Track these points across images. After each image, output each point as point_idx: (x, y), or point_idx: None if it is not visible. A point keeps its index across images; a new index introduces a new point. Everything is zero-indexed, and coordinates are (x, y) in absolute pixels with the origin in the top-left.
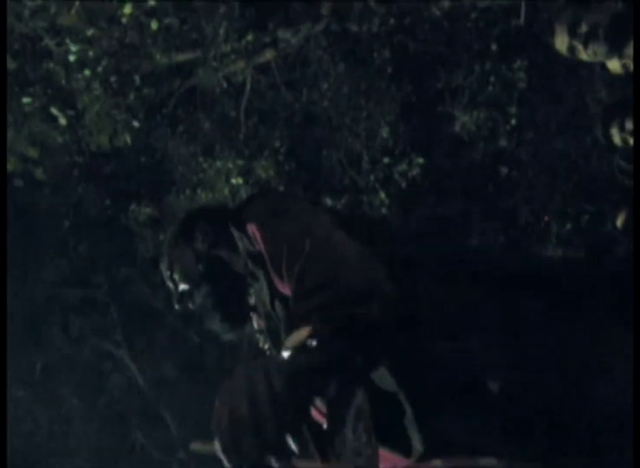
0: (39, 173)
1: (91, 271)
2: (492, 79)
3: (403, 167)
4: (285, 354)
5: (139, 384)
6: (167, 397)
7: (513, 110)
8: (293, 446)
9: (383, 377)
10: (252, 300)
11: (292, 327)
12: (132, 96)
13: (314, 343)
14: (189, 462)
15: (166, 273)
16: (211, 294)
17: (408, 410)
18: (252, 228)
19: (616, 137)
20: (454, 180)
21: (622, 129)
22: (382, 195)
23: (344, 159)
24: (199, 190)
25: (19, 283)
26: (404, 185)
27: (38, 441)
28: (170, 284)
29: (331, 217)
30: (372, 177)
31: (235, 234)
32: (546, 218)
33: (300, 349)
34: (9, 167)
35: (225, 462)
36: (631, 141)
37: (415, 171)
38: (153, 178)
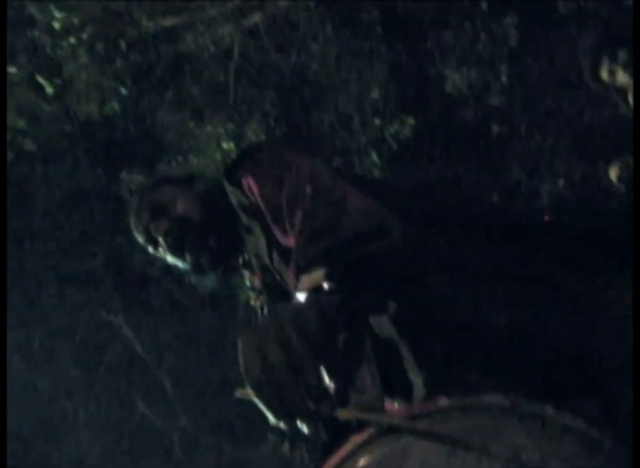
0: (28, 144)
1: (85, 241)
2: (482, 36)
3: (394, 127)
4: (301, 297)
5: (138, 352)
6: (166, 364)
7: (504, 67)
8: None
9: (384, 324)
10: (244, 257)
11: (301, 271)
12: (119, 63)
13: (329, 285)
14: (189, 429)
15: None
16: (204, 249)
17: (408, 356)
18: (248, 181)
19: (605, 73)
20: (446, 140)
21: (613, 58)
22: (374, 156)
23: (335, 121)
24: (190, 156)
25: (13, 256)
26: (395, 146)
27: (39, 413)
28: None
29: (331, 169)
30: (363, 139)
31: (229, 189)
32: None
33: (315, 292)
34: None
35: (269, 413)
36: (620, 76)
37: (407, 131)
38: (143, 145)
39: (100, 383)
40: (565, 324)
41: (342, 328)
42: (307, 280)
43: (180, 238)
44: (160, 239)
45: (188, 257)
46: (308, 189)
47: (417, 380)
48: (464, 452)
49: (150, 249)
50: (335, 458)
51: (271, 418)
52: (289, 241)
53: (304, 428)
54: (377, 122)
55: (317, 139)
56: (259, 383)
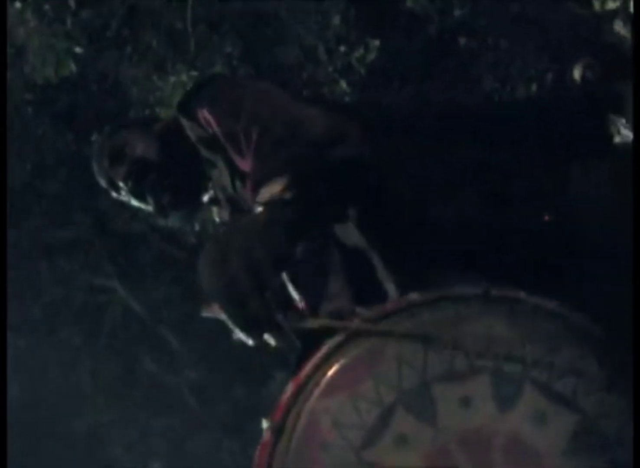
0: None
1: (67, 209)
2: None
3: (360, 52)
4: (259, 209)
5: (137, 312)
6: (166, 320)
7: None
8: (295, 296)
9: (350, 233)
10: (211, 192)
11: (259, 185)
12: (69, 22)
13: (289, 195)
14: (198, 381)
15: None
16: (164, 190)
17: (379, 263)
18: (203, 113)
19: None
20: (414, 58)
21: None
22: (343, 84)
23: (300, 54)
24: (157, 109)
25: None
26: (363, 71)
27: (48, 386)
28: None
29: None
30: (330, 68)
31: (186, 124)
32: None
33: (275, 203)
34: None
35: (234, 326)
36: None
37: (373, 55)
38: (109, 104)
39: (103, 348)
40: (535, 218)
41: (304, 238)
42: (266, 191)
43: (140, 181)
44: (121, 184)
45: (149, 199)
46: (264, 110)
47: (390, 286)
48: (439, 346)
49: (114, 194)
50: (310, 365)
51: (237, 332)
52: (248, 164)
53: (271, 341)
54: (342, 49)
55: (283, 74)
56: (222, 297)
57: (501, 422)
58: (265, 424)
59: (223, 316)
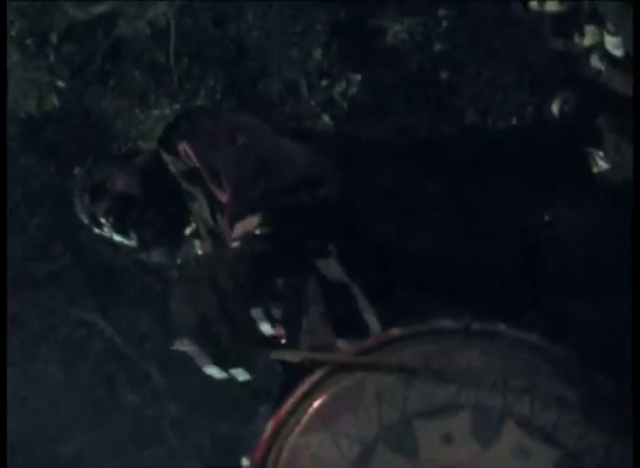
0: None
1: (49, 242)
2: None
3: (342, 86)
4: (234, 245)
5: (118, 345)
6: (148, 352)
7: (442, 12)
8: (268, 330)
9: (331, 267)
10: (193, 226)
11: (235, 219)
12: (52, 57)
13: (263, 231)
14: (180, 414)
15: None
16: (146, 224)
17: (360, 295)
18: (183, 146)
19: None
20: (395, 92)
21: None
22: (326, 118)
23: (282, 88)
24: (139, 142)
25: None
26: (345, 105)
27: (29, 419)
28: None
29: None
30: (312, 102)
31: (166, 157)
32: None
33: (249, 239)
34: None
35: (205, 360)
36: (549, 4)
37: (354, 89)
38: (92, 137)
39: (85, 381)
40: (515, 250)
41: (279, 273)
42: (240, 227)
43: (122, 216)
44: (103, 219)
45: (132, 234)
46: (240, 139)
47: (371, 318)
48: (420, 381)
49: (96, 230)
50: (291, 401)
51: (207, 367)
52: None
53: (240, 376)
54: (323, 83)
55: (265, 108)
56: (192, 331)
57: (483, 460)
58: (245, 462)
59: (193, 350)
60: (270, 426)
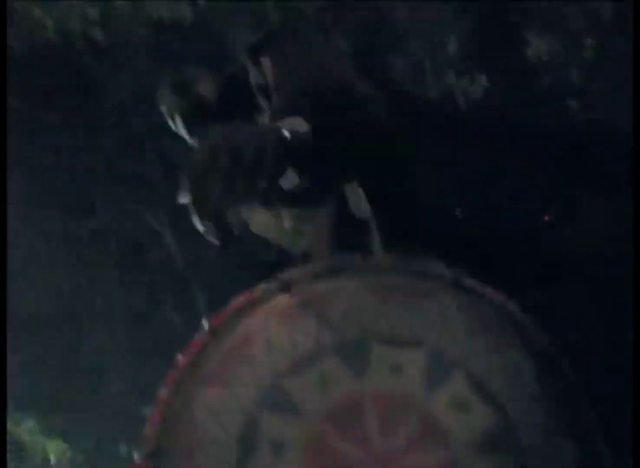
0: None
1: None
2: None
3: (463, 83)
4: (285, 131)
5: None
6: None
7: (588, 41)
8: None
9: (359, 199)
10: None
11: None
12: None
13: (306, 129)
14: None
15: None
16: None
17: (376, 235)
18: (266, 62)
19: None
20: (517, 106)
21: None
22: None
23: (405, 65)
24: None
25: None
26: (463, 102)
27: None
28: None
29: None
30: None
31: (250, 69)
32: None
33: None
34: None
35: (192, 211)
36: None
37: (478, 90)
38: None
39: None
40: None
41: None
42: (288, 121)
43: (192, 118)
44: (177, 117)
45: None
46: (314, 70)
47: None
48: (390, 308)
49: (171, 124)
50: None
51: (195, 218)
52: None
53: (208, 231)
54: (450, 74)
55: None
56: (196, 180)
57: (424, 400)
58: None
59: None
60: None
